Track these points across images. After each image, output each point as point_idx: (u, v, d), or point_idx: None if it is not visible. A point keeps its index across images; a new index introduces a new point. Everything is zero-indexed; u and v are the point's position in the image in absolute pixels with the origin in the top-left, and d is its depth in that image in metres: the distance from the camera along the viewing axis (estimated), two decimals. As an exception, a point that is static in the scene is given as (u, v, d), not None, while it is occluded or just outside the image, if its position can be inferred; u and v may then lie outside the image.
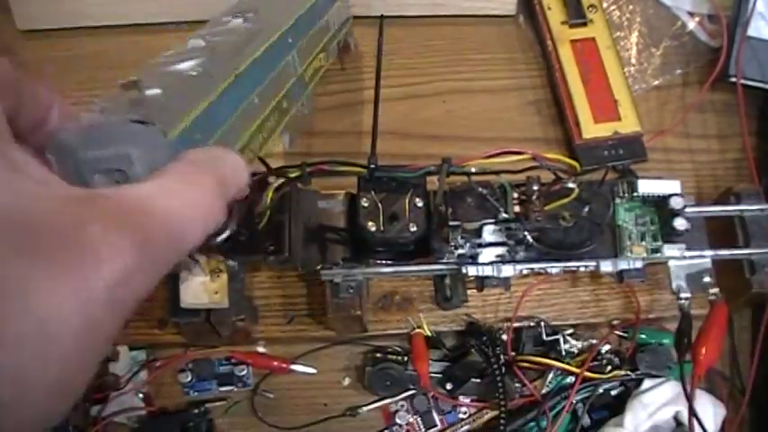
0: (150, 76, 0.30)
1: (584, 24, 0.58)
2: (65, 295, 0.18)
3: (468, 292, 0.52)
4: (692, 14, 0.60)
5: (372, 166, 0.42)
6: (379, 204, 0.43)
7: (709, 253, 0.47)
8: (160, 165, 0.25)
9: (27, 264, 0.17)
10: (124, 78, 0.30)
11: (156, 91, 0.29)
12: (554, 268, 0.45)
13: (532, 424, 0.50)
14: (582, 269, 0.46)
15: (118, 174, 0.25)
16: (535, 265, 0.45)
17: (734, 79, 0.55)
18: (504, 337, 0.51)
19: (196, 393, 0.53)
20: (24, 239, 0.18)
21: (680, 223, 0.44)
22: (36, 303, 0.17)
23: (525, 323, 0.51)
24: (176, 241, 0.22)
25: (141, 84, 0.29)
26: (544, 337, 0.51)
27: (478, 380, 0.51)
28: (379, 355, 0.52)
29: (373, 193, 0.44)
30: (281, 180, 0.42)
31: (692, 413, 0.43)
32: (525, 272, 0.46)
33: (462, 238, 0.45)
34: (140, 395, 0.52)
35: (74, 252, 0.18)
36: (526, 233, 0.44)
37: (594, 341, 0.51)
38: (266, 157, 0.39)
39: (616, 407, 0.51)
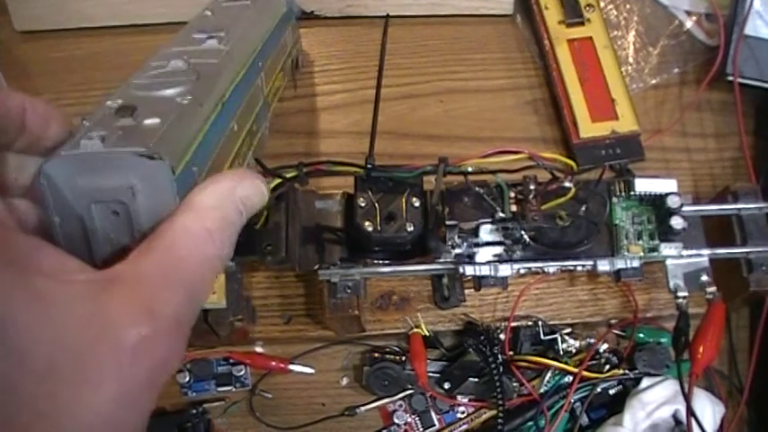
0: (141, 101, 0.29)
1: (582, 24, 0.58)
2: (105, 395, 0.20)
3: (466, 291, 0.52)
4: (689, 13, 0.60)
5: (369, 165, 0.42)
6: (376, 204, 0.43)
7: (706, 252, 0.47)
8: (162, 199, 0.24)
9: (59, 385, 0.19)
10: (114, 101, 0.29)
11: (155, 120, 0.27)
12: (551, 267, 0.45)
13: (530, 423, 0.50)
14: (579, 268, 0.46)
15: (118, 205, 0.25)
16: (532, 265, 0.45)
17: (731, 78, 0.55)
18: (502, 336, 0.51)
19: (194, 393, 0.53)
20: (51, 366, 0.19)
21: (677, 222, 0.44)
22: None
23: (523, 322, 0.51)
24: (198, 303, 0.23)
25: (137, 111, 0.28)
26: (542, 336, 0.51)
27: (476, 379, 0.51)
28: (377, 354, 0.52)
29: (370, 192, 0.44)
30: (279, 180, 0.42)
31: (690, 412, 0.43)
32: (522, 271, 0.46)
33: (459, 237, 0.45)
34: (139, 395, 0.52)
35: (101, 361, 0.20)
36: (523, 232, 0.44)
37: (592, 340, 0.51)
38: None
39: (614, 406, 0.51)
